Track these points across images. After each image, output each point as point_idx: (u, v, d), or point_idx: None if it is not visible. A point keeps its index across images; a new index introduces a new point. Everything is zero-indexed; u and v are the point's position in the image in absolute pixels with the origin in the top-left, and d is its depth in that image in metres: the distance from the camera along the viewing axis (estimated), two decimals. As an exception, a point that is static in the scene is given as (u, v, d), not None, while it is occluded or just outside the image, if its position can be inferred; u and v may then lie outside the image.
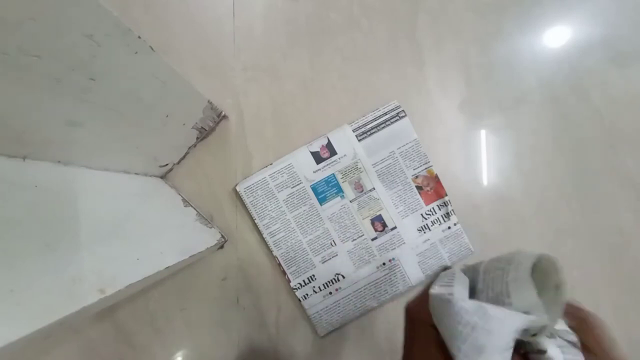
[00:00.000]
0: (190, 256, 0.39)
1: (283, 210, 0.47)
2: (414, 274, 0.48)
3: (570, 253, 0.48)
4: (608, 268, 0.48)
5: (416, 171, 0.48)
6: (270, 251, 0.47)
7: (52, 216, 0.29)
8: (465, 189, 0.49)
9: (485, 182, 0.49)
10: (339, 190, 0.48)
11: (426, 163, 0.48)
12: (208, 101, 0.43)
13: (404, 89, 0.49)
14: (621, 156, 0.48)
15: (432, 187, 0.48)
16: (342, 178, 0.48)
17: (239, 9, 0.50)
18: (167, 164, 0.48)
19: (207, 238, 0.46)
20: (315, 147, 0.48)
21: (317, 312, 0.47)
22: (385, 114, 0.48)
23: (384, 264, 0.48)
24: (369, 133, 0.47)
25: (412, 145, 0.48)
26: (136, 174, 0.44)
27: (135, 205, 0.41)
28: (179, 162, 0.49)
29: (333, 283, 0.47)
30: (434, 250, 0.48)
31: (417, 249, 0.48)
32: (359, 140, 0.47)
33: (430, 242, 0.48)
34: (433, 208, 0.48)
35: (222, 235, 0.48)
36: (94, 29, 0.24)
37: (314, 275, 0.47)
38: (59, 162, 0.33)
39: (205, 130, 0.47)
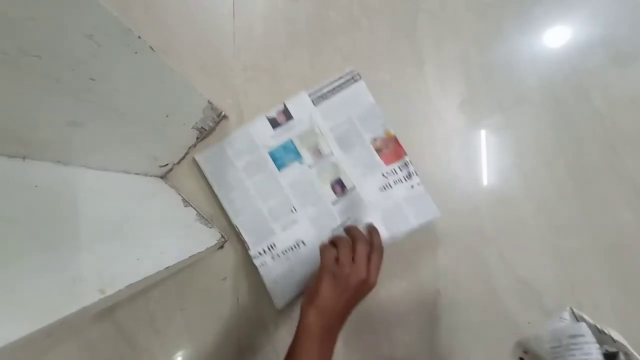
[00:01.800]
0: (190, 256, 0.39)
1: (241, 178, 0.47)
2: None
3: (570, 253, 0.48)
4: (608, 268, 0.48)
5: (374, 134, 0.47)
6: (230, 220, 0.47)
7: (52, 216, 0.29)
8: (465, 189, 0.49)
9: (485, 182, 0.49)
10: (297, 156, 0.47)
11: (383, 125, 0.47)
12: (208, 101, 0.43)
13: (404, 89, 0.49)
14: (621, 156, 0.48)
15: (391, 149, 0.47)
16: (299, 144, 0.47)
17: (239, 9, 0.50)
18: (167, 164, 0.48)
19: (207, 238, 0.46)
20: (272, 113, 0.47)
21: (275, 281, 0.46)
22: (341, 77, 0.47)
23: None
24: (324, 97, 0.47)
25: (369, 109, 0.47)
26: (136, 174, 0.44)
27: (135, 205, 0.41)
28: (179, 162, 0.49)
29: (293, 249, 0.47)
30: (397, 209, 0.47)
31: (379, 206, 0.47)
32: (315, 105, 0.47)
33: (393, 200, 0.47)
34: (394, 169, 0.47)
35: (222, 235, 0.48)
36: (94, 29, 0.24)
37: (274, 243, 0.47)
38: (59, 162, 0.33)
39: (205, 130, 0.47)
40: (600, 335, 0.27)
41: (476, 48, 0.50)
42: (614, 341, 0.27)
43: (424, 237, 0.49)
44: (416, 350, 0.48)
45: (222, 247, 0.49)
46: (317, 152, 0.47)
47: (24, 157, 0.30)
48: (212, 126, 0.48)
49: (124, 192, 0.41)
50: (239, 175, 0.47)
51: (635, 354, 0.26)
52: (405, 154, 0.47)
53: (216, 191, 0.47)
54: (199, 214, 0.48)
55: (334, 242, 0.40)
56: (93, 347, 0.47)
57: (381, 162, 0.47)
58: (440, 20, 0.50)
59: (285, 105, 0.47)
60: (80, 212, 0.32)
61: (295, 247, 0.47)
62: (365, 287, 0.36)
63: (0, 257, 0.23)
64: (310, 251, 0.47)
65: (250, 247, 0.46)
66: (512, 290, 0.48)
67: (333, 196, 0.47)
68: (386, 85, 0.50)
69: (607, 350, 0.27)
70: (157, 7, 0.50)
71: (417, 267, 0.49)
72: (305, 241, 0.47)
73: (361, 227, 0.45)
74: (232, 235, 0.49)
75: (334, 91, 0.47)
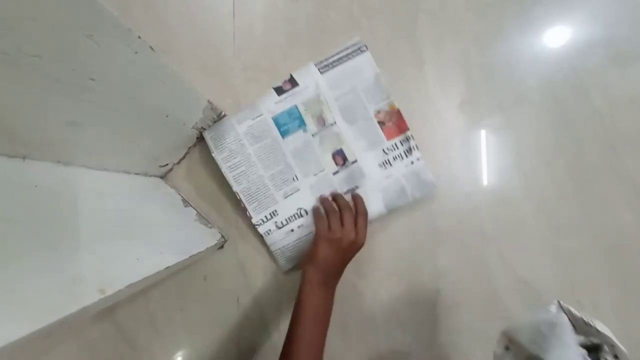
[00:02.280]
0: (190, 256, 0.39)
1: (243, 144, 0.46)
2: (375, 207, 0.47)
3: (570, 253, 0.48)
4: (608, 268, 0.48)
5: (378, 106, 0.47)
6: (230, 187, 0.46)
7: (52, 216, 0.29)
8: (465, 189, 0.49)
9: (485, 182, 0.49)
10: (302, 123, 0.47)
11: (388, 98, 0.47)
12: (208, 101, 0.43)
13: (404, 88, 0.49)
14: (621, 156, 0.48)
15: (394, 122, 0.47)
16: (304, 110, 0.47)
17: (239, 9, 0.50)
18: (167, 164, 0.48)
19: (207, 238, 0.46)
20: (278, 82, 0.47)
21: (280, 248, 0.47)
22: (347, 48, 0.47)
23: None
24: (330, 66, 0.47)
25: (374, 80, 0.47)
26: (136, 174, 0.44)
27: (135, 205, 0.41)
28: (179, 162, 0.49)
29: (296, 218, 0.47)
30: (396, 184, 0.48)
31: (379, 184, 0.48)
32: (322, 73, 0.47)
33: (393, 177, 0.48)
34: (395, 143, 0.48)
35: (222, 235, 0.48)
36: (94, 29, 0.24)
37: (276, 211, 0.47)
38: (59, 162, 0.33)
39: (205, 130, 0.47)
40: (586, 327, 0.27)
41: (476, 48, 0.50)
42: (599, 332, 0.27)
43: (423, 238, 0.49)
44: (416, 350, 0.48)
45: (222, 247, 0.49)
46: (321, 121, 0.47)
47: (24, 157, 0.30)
48: (212, 126, 0.48)
49: (124, 192, 0.41)
50: (241, 141, 0.45)
51: (620, 345, 0.26)
52: (407, 128, 0.47)
53: (216, 157, 0.45)
54: (199, 214, 0.48)
55: (325, 210, 0.45)
56: (93, 347, 0.47)
57: (383, 136, 0.48)
58: (440, 20, 0.50)
59: (291, 75, 0.47)
60: (80, 212, 0.32)
61: (297, 215, 0.47)
62: (354, 246, 0.42)
63: (0, 257, 0.23)
64: (310, 219, 0.48)
65: (252, 214, 0.46)
66: (512, 290, 0.48)
67: (334, 166, 0.48)
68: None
69: (591, 342, 0.27)
70: (157, 7, 0.50)
71: (417, 267, 0.49)
72: (306, 209, 0.47)
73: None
74: (232, 236, 0.49)
75: (340, 61, 0.47)
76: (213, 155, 0.45)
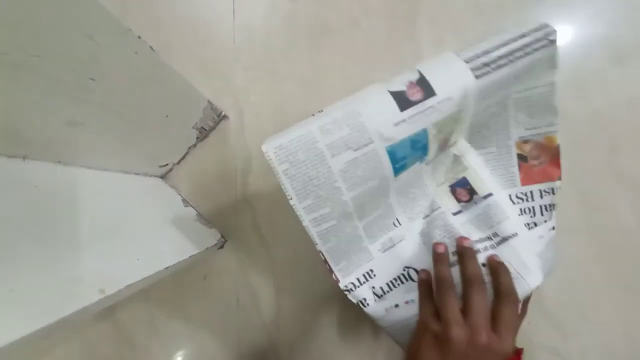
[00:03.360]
0: (190, 256, 0.39)
1: (338, 187, 0.28)
2: (533, 279, 0.31)
3: (570, 253, 0.48)
4: (608, 268, 0.48)
5: (528, 132, 0.32)
6: (314, 244, 0.30)
7: (52, 216, 0.29)
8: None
9: (485, 182, 0.49)
10: (422, 155, 0.29)
11: (551, 124, 0.32)
12: (208, 101, 0.43)
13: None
14: (621, 156, 0.48)
15: (543, 162, 0.32)
16: (435, 135, 0.28)
17: (239, 9, 0.50)
18: (167, 164, 0.48)
19: (207, 238, 0.46)
20: (399, 84, 0.27)
21: (387, 326, 0.32)
22: (523, 35, 0.29)
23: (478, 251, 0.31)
24: (494, 64, 0.28)
25: (543, 92, 0.31)
26: (136, 174, 0.44)
27: (135, 205, 0.41)
28: (179, 162, 0.49)
29: (401, 282, 0.32)
30: (548, 251, 0.33)
31: (533, 243, 0.32)
32: (477, 78, 0.28)
33: (544, 239, 0.33)
34: (531, 192, 0.32)
35: (222, 235, 0.48)
36: (94, 29, 0.24)
37: (372, 271, 0.32)
38: (59, 162, 0.33)
39: (205, 130, 0.47)
40: None
41: (476, 48, 0.50)
42: None
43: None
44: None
45: (222, 247, 0.49)
46: (444, 143, 0.30)
47: (24, 157, 0.30)
48: (212, 126, 0.48)
49: (124, 192, 0.41)
50: (335, 183, 0.27)
51: None
52: (559, 176, 0.32)
53: (295, 206, 0.28)
54: (198, 214, 0.48)
55: (436, 278, 0.28)
56: (93, 347, 0.47)
57: (517, 177, 0.32)
58: (440, 20, 0.50)
59: (421, 74, 0.27)
60: (80, 212, 0.32)
61: (402, 278, 0.32)
62: (489, 356, 0.24)
63: (0, 257, 0.23)
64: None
65: (338, 277, 0.31)
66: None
67: (454, 204, 0.32)
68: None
69: None
70: (157, 7, 0.50)
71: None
72: (415, 266, 0.32)
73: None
74: (232, 235, 0.49)
75: (511, 57, 0.29)
76: (291, 203, 0.27)
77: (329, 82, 0.50)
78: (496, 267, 0.28)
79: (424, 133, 0.27)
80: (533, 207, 0.32)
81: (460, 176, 0.32)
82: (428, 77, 0.27)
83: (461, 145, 0.32)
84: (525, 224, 0.32)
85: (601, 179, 0.48)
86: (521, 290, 0.30)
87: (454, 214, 0.32)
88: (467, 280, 0.27)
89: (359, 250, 0.31)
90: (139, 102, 0.34)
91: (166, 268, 0.35)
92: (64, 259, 0.27)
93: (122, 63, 0.28)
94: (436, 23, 0.50)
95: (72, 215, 0.31)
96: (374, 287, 0.32)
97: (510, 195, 0.33)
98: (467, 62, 0.29)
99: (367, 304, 0.32)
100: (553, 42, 0.30)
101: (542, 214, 0.33)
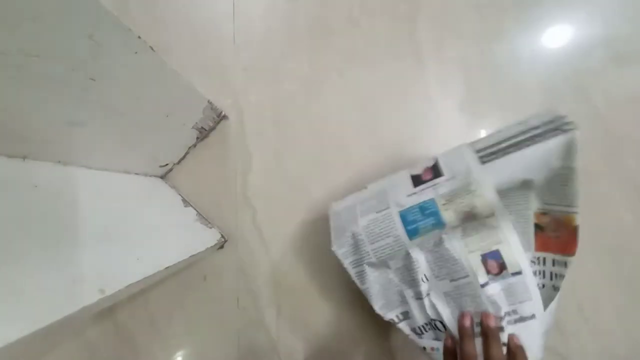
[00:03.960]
0: (190, 256, 0.39)
1: (362, 239, 0.37)
2: (539, 353, 0.32)
3: (570, 253, 0.48)
4: (608, 268, 0.48)
5: (548, 207, 0.33)
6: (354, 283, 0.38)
7: (52, 216, 0.29)
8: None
9: (485, 182, 0.49)
10: (438, 222, 0.34)
11: (571, 206, 0.32)
12: (208, 101, 0.43)
13: (404, 89, 0.49)
14: (621, 156, 0.48)
15: (559, 236, 0.32)
16: (444, 205, 0.34)
17: (239, 9, 0.50)
18: (167, 164, 0.48)
19: (207, 238, 0.46)
20: (419, 169, 0.37)
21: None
22: (536, 127, 0.32)
23: (502, 328, 0.31)
24: (501, 153, 0.33)
25: (562, 174, 0.31)
26: (136, 174, 0.44)
27: (135, 205, 0.41)
28: (179, 162, 0.49)
29: (432, 328, 0.35)
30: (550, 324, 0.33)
31: (545, 321, 0.32)
32: (483, 163, 0.33)
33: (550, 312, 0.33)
34: (543, 258, 0.33)
35: (222, 235, 0.48)
36: (94, 29, 0.24)
37: (407, 313, 0.36)
38: (59, 162, 0.33)
39: (205, 130, 0.47)
40: None
41: (476, 48, 0.50)
42: None
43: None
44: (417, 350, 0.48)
45: (222, 247, 0.49)
46: (469, 213, 0.34)
47: (24, 157, 0.30)
48: (212, 126, 0.48)
49: (124, 192, 0.41)
50: (359, 236, 0.37)
51: None
52: (573, 253, 0.32)
53: (337, 252, 0.37)
54: (198, 214, 0.48)
55: (462, 356, 0.30)
56: (93, 347, 0.47)
57: (532, 242, 0.33)
58: (440, 20, 0.50)
59: (436, 161, 0.36)
60: (80, 212, 0.32)
61: (431, 326, 0.35)
62: None
63: (0, 257, 0.23)
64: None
65: (381, 313, 0.37)
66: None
67: (484, 275, 0.32)
68: (386, 85, 0.50)
69: None
70: (157, 7, 0.50)
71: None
72: (444, 322, 0.34)
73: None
74: (232, 235, 0.49)
75: (519, 146, 0.32)
76: (333, 249, 0.37)
77: (329, 82, 0.50)
78: (515, 350, 0.30)
79: (431, 202, 0.35)
80: (544, 271, 0.33)
81: (494, 248, 0.33)
82: (440, 163, 0.36)
83: (498, 217, 0.33)
84: (537, 285, 0.33)
85: (601, 179, 0.48)
86: None
87: (482, 285, 0.32)
88: (489, 357, 0.29)
89: (395, 293, 0.37)
90: (139, 102, 0.34)
91: (166, 268, 0.35)
92: (64, 259, 0.27)
93: (122, 63, 0.28)
94: (436, 23, 0.50)
95: (72, 215, 0.31)
96: (411, 326, 0.36)
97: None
98: (477, 152, 0.34)
99: (410, 335, 0.36)
100: (567, 131, 0.31)
101: (551, 279, 0.33)
